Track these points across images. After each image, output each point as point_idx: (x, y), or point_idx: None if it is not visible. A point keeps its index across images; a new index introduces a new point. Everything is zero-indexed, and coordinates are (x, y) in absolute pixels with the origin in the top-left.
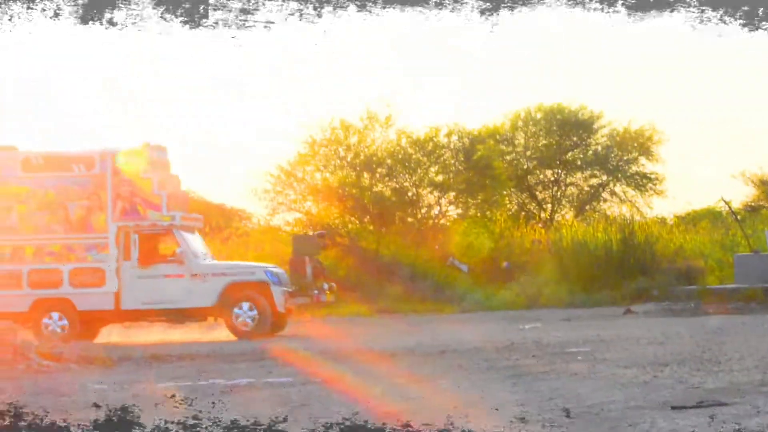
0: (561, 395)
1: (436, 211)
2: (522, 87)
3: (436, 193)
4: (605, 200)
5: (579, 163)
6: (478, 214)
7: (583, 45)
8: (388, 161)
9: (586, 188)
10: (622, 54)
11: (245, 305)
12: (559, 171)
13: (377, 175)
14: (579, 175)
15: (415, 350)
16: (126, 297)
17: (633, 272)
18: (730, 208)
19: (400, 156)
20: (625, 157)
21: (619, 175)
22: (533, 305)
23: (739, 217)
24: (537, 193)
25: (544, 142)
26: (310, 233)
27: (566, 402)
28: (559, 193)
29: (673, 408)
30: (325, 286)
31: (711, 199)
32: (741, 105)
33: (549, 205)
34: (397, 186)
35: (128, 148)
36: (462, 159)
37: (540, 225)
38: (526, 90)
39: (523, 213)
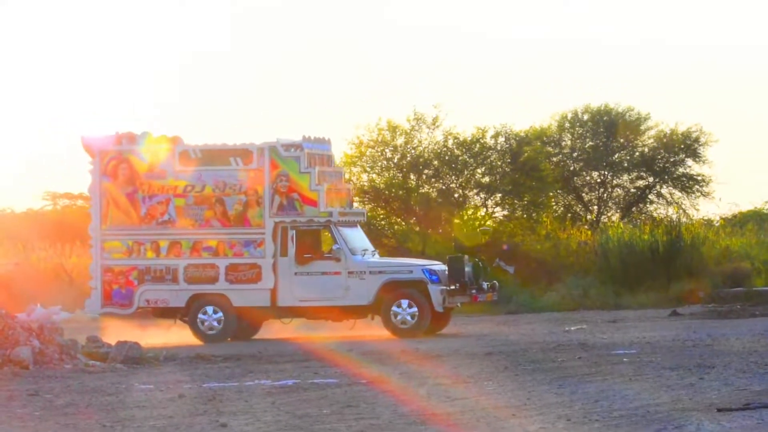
0: (607, 397)
1: (482, 212)
2: (569, 88)
3: (482, 195)
4: (651, 202)
5: (625, 164)
6: (525, 216)
7: (628, 45)
8: (435, 162)
9: (633, 190)
10: (669, 54)
11: (404, 302)
12: (606, 172)
13: (424, 177)
14: (625, 176)
15: (461, 351)
16: (282, 293)
17: (679, 274)
18: None
19: (446, 157)
20: (671, 159)
21: (666, 177)
22: (579, 307)
23: None
24: (583, 194)
25: (590, 143)
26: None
27: (612, 404)
28: (605, 195)
29: (719, 410)
30: (485, 285)
31: (758, 201)
32: None
33: (595, 207)
34: (444, 187)
35: (287, 141)
36: (508, 160)
37: (586, 227)
38: (573, 91)
39: (569, 215)
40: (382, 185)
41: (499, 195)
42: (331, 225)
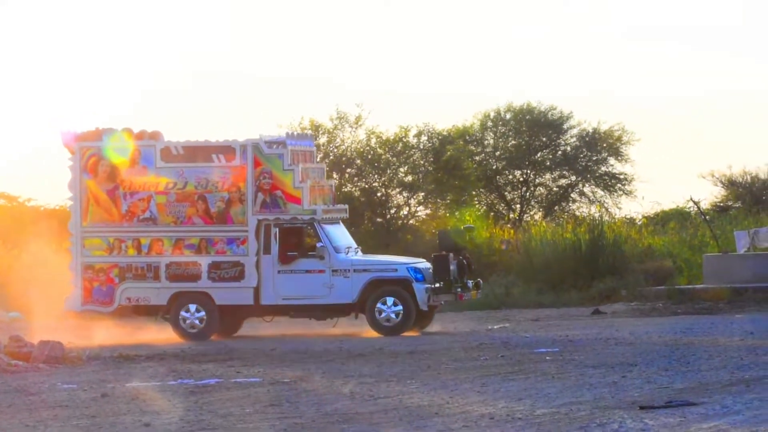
0: (530, 395)
1: (405, 211)
2: (492, 87)
3: (405, 194)
4: (574, 201)
5: (548, 163)
6: (447, 215)
7: (553, 45)
8: (358, 161)
9: (555, 189)
10: (592, 54)
11: (389, 300)
12: (528, 171)
13: (346, 175)
14: (548, 175)
15: (384, 350)
16: (266, 292)
17: (602, 273)
18: (699, 208)
19: (369, 156)
20: (594, 158)
21: (588, 176)
22: (502, 305)
23: (707, 217)
24: (506, 193)
25: (513, 142)
26: (455, 228)
27: (535, 402)
28: (528, 194)
29: (642, 408)
30: (470, 283)
31: (680, 200)
32: (709, 105)
33: (518, 206)
34: (367, 186)
35: (271, 138)
36: (431, 159)
37: (509, 225)
38: (496, 90)
39: (492, 213)
40: None
41: (422, 194)
42: (314, 222)
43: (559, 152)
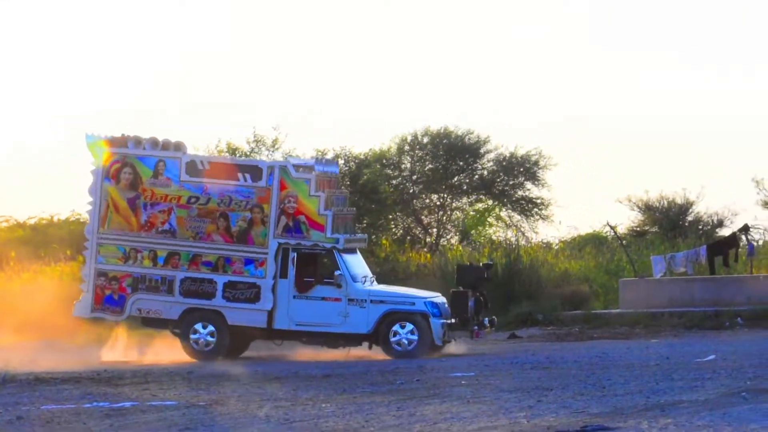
0: (445, 419)
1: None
2: (409, 110)
3: None
4: (491, 225)
5: (465, 187)
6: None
7: (471, 68)
8: None
9: (472, 213)
10: (510, 78)
11: (398, 326)
12: (445, 195)
13: None
14: (465, 199)
15: (300, 373)
16: (279, 316)
17: (518, 297)
18: (615, 233)
19: None
20: (511, 182)
21: (505, 200)
22: None
23: (624, 242)
24: (423, 217)
25: (430, 166)
26: (477, 263)
27: (450, 426)
28: (444, 218)
29: None
30: (486, 321)
31: (597, 225)
32: (626, 130)
33: (434, 230)
34: None
35: (298, 161)
36: (348, 183)
37: (425, 249)
38: (413, 113)
39: (408, 237)
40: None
41: None
42: (335, 251)
43: (476, 176)
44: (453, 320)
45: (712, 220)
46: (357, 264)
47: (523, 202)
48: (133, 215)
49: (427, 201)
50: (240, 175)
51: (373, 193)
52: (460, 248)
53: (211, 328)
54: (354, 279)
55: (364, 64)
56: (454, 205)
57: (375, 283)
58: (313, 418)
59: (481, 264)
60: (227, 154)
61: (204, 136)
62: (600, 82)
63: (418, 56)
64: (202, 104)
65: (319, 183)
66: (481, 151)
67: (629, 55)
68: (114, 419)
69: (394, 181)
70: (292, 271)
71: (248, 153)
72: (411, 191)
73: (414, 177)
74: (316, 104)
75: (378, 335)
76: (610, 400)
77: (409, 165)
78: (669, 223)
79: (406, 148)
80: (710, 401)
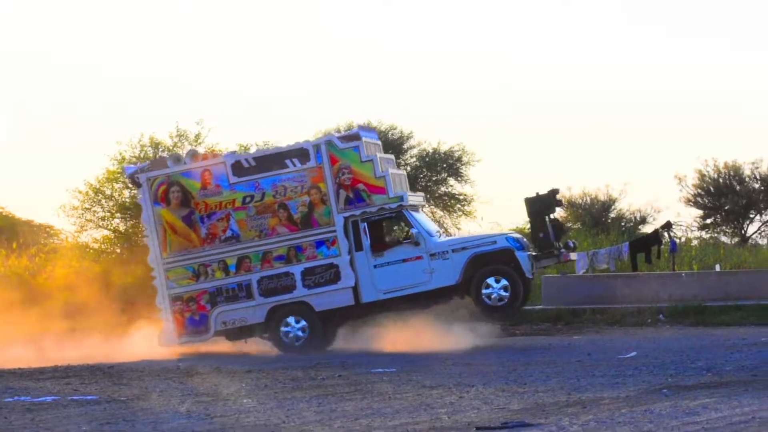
0: (366, 415)
1: None
2: (333, 105)
3: None
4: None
5: None
6: None
7: (394, 64)
8: None
9: None
10: (433, 73)
11: (491, 279)
12: None
13: None
14: None
15: (222, 369)
16: (365, 289)
17: None
18: None
19: None
20: (434, 178)
21: (428, 196)
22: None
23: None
24: None
25: None
26: (541, 193)
27: (371, 422)
28: None
29: (478, 429)
30: (571, 243)
31: (520, 221)
32: (550, 127)
33: None
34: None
35: (343, 133)
36: None
37: None
38: (337, 108)
39: None
40: None
41: None
42: (403, 210)
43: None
44: (537, 252)
45: (635, 217)
46: (426, 220)
47: (446, 197)
48: (192, 232)
49: None
50: (288, 161)
51: None
52: None
53: (300, 320)
54: (429, 234)
55: (287, 59)
56: None
57: (444, 236)
58: (234, 413)
59: (548, 191)
60: (150, 148)
61: (127, 131)
62: (524, 79)
63: (341, 50)
64: (123, 95)
65: (368, 147)
66: (404, 146)
67: (555, 50)
68: (35, 413)
69: None
70: (366, 242)
71: (171, 147)
72: None
73: None
74: (240, 98)
75: (467, 285)
76: (531, 397)
77: None
78: (592, 219)
79: None
80: (631, 398)
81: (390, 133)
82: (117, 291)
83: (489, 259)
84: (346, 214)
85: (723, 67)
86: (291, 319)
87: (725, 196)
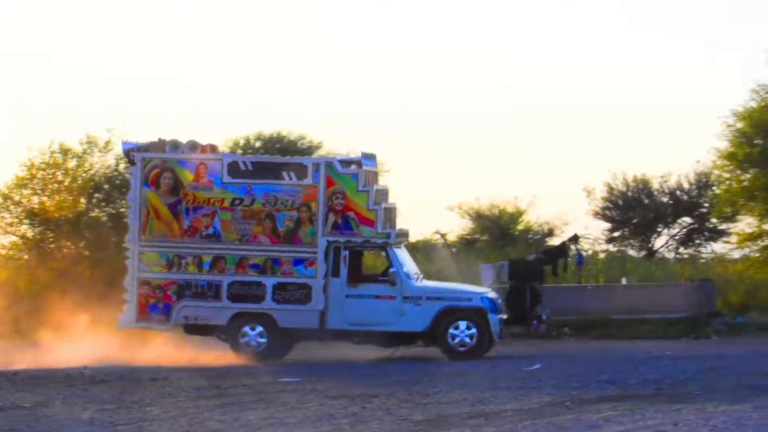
0: (269, 425)
1: None
2: (243, 114)
3: None
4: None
5: None
6: None
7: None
8: (106, 186)
9: None
10: (341, 80)
11: (462, 324)
12: None
13: (94, 200)
14: None
15: (126, 376)
16: (333, 316)
17: None
18: (445, 240)
19: (117, 181)
20: None
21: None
22: None
23: (454, 250)
24: None
25: None
26: (529, 257)
27: (274, 431)
28: None
29: None
30: (543, 314)
31: (427, 232)
32: (458, 136)
33: None
34: (114, 211)
35: (344, 157)
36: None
37: None
38: (246, 117)
39: None
40: (52, 208)
41: None
42: (387, 247)
43: None
44: (511, 316)
45: (543, 229)
46: (407, 260)
47: None
48: (175, 221)
49: None
50: (285, 174)
51: None
52: None
53: (260, 329)
54: (408, 276)
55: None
56: None
57: (423, 279)
58: (137, 421)
59: (534, 257)
60: (60, 155)
61: (37, 137)
62: (436, 84)
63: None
64: (32, 102)
65: (367, 178)
66: (313, 155)
67: (459, 54)
68: None
69: None
70: (344, 270)
71: (80, 154)
72: None
73: None
74: (151, 105)
75: (434, 334)
76: (434, 408)
77: None
78: (499, 231)
79: (239, 152)
80: (534, 410)
81: (299, 142)
82: (24, 297)
83: (461, 314)
84: (331, 239)
85: (636, 82)
86: (248, 328)
87: (633, 210)
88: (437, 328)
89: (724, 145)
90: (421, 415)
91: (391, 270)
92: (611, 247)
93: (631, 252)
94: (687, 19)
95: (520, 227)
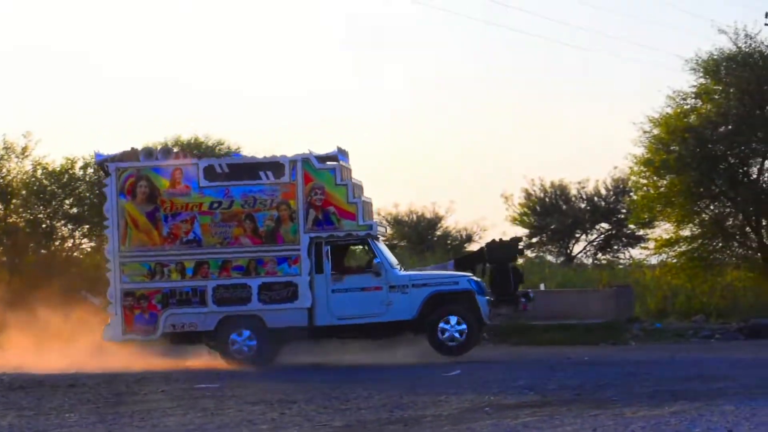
0: (188, 431)
1: (70, 243)
2: (161, 119)
3: (70, 226)
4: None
5: None
6: None
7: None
8: (23, 192)
9: None
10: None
11: (452, 319)
12: None
13: (11, 206)
14: None
15: (45, 382)
16: (320, 312)
17: None
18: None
19: (35, 187)
20: None
21: None
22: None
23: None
24: None
25: None
26: (505, 239)
27: None
28: None
29: None
30: (531, 293)
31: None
32: (377, 139)
33: None
34: (31, 217)
35: (321, 153)
36: (97, 192)
37: None
38: (165, 122)
39: None
40: None
41: (87, 226)
42: (369, 239)
43: None
44: (499, 297)
45: (461, 235)
46: (387, 251)
47: None
48: (155, 229)
49: None
50: (261, 173)
51: None
52: None
53: (247, 333)
54: (391, 266)
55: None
56: None
57: (403, 270)
58: (56, 427)
59: (511, 239)
60: None
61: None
62: (353, 83)
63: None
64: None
65: (345, 172)
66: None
67: (377, 56)
68: None
69: None
70: (327, 265)
71: None
72: None
73: None
74: (67, 109)
75: (422, 322)
76: (353, 414)
77: None
78: (418, 237)
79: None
80: (453, 416)
81: (217, 147)
82: None
83: (448, 298)
84: (313, 235)
85: (552, 94)
86: (241, 331)
87: (551, 216)
88: (425, 316)
89: (641, 151)
90: (340, 420)
91: (376, 261)
92: (529, 253)
93: (550, 258)
94: (605, 26)
95: (438, 233)
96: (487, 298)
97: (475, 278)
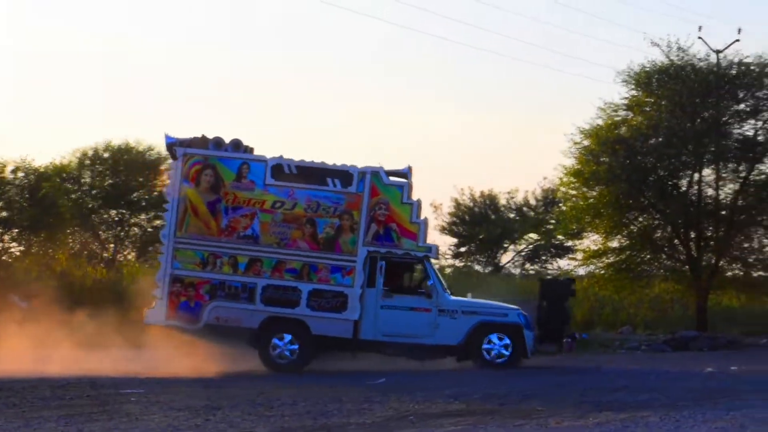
0: None
1: None
2: (92, 123)
3: None
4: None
5: (144, 203)
6: (41, 252)
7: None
8: None
9: (150, 229)
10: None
11: (493, 337)
12: (124, 211)
13: None
14: (143, 215)
15: None
16: (366, 326)
17: None
18: None
19: None
20: None
21: None
22: (97, 345)
23: None
24: (101, 232)
25: (110, 181)
26: (560, 278)
27: None
28: (122, 233)
29: None
30: (576, 335)
31: None
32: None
33: (112, 245)
34: None
35: (392, 168)
36: (27, 196)
37: (102, 265)
38: (95, 127)
39: (85, 252)
40: None
41: (16, 230)
42: (426, 260)
43: (156, 192)
44: (544, 333)
45: None
46: (439, 274)
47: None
48: (213, 219)
49: (106, 216)
50: (329, 180)
51: (52, 206)
52: (137, 264)
53: (289, 338)
54: (444, 289)
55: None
56: (132, 221)
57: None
58: None
59: (564, 278)
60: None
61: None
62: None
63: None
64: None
65: (412, 191)
66: (161, 168)
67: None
68: None
69: (73, 195)
70: (380, 281)
71: None
72: (90, 206)
73: (93, 192)
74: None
75: (468, 347)
76: (278, 421)
77: (89, 179)
78: None
79: (87, 162)
80: (377, 424)
81: (147, 153)
82: None
83: (496, 329)
84: (371, 249)
85: (483, 104)
86: (284, 335)
87: (480, 225)
88: (471, 342)
89: (571, 162)
90: (264, 427)
91: (429, 282)
92: (457, 262)
93: (478, 267)
94: (538, 37)
95: None
96: (534, 333)
97: (523, 312)
